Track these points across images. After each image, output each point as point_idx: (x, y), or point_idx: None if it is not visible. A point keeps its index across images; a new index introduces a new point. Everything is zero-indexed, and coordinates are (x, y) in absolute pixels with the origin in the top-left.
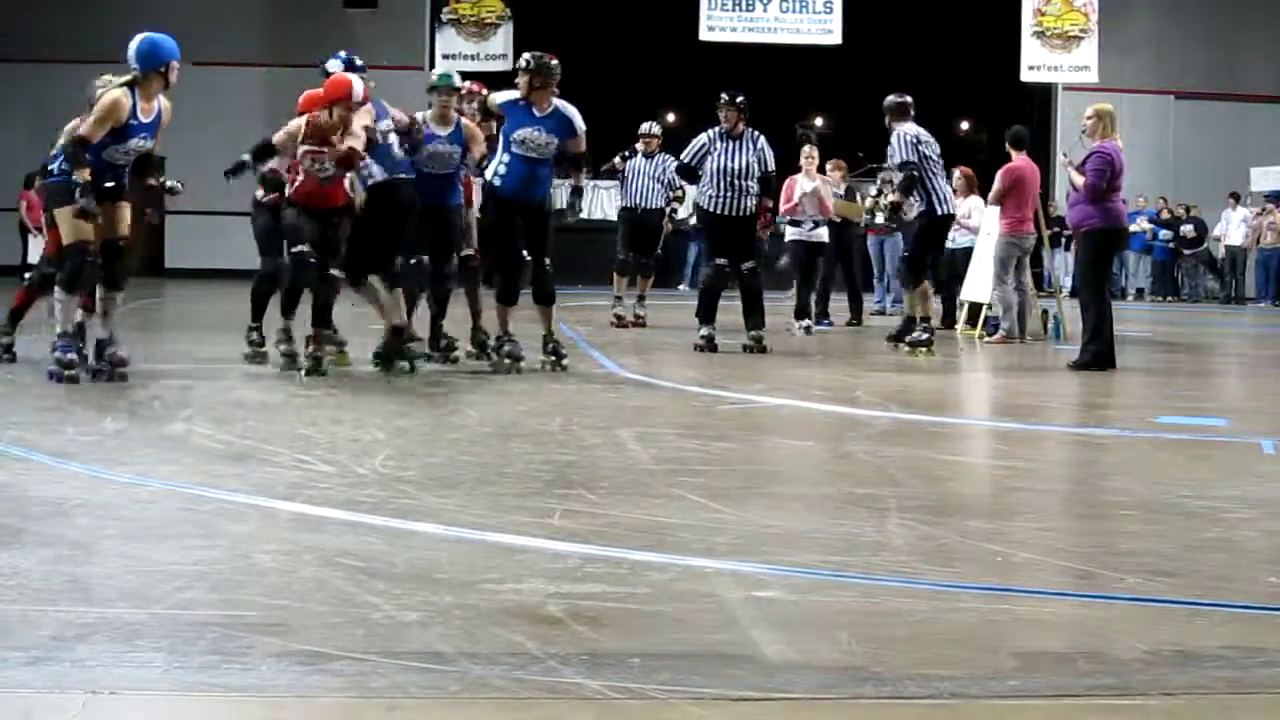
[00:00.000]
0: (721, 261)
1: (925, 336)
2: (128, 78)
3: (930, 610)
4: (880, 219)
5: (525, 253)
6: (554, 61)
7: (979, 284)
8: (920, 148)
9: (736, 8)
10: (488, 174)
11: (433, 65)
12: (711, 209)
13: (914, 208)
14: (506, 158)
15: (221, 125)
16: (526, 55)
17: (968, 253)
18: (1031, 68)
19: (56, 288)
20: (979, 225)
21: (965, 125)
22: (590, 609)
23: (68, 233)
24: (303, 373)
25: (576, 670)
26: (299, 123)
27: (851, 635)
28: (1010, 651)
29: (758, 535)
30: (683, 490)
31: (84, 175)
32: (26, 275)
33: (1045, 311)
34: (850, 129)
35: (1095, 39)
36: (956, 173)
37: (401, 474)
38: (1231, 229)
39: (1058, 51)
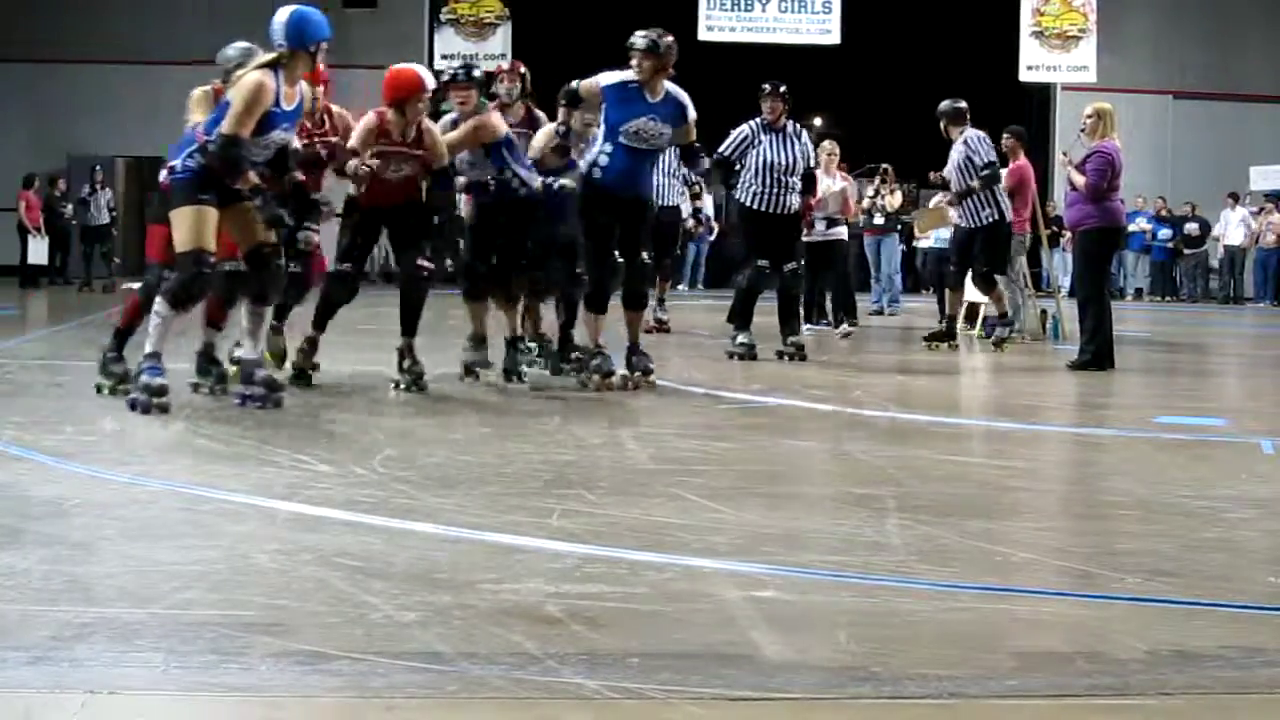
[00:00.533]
0: (764, 263)
1: (1009, 331)
2: (269, 57)
3: (929, 610)
4: (879, 220)
5: (617, 254)
6: (670, 39)
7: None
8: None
9: (735, 7)
10: (582, 164)
11: (432, 65)
12: (754, 206)
13: (983, 211)
14: (609, 147)
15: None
16: (641, 35)
17: None
18: (1030, 68)
19: (160, 299)
20: None
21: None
22: (589, 609)
23: (186, 238)
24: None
25: (575, 670)
26: (373, 120)
27: (850, 635)
28: (1009, 651)
29: (757, 535)
30: (682, 490)
31: (251, 180)
32: (125, 282)
33: (1044, 311)
34: (849, 129)
35: (1094, 39)
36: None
37: (400, 474)
38: (1230, 229)
39: (1056, 51)
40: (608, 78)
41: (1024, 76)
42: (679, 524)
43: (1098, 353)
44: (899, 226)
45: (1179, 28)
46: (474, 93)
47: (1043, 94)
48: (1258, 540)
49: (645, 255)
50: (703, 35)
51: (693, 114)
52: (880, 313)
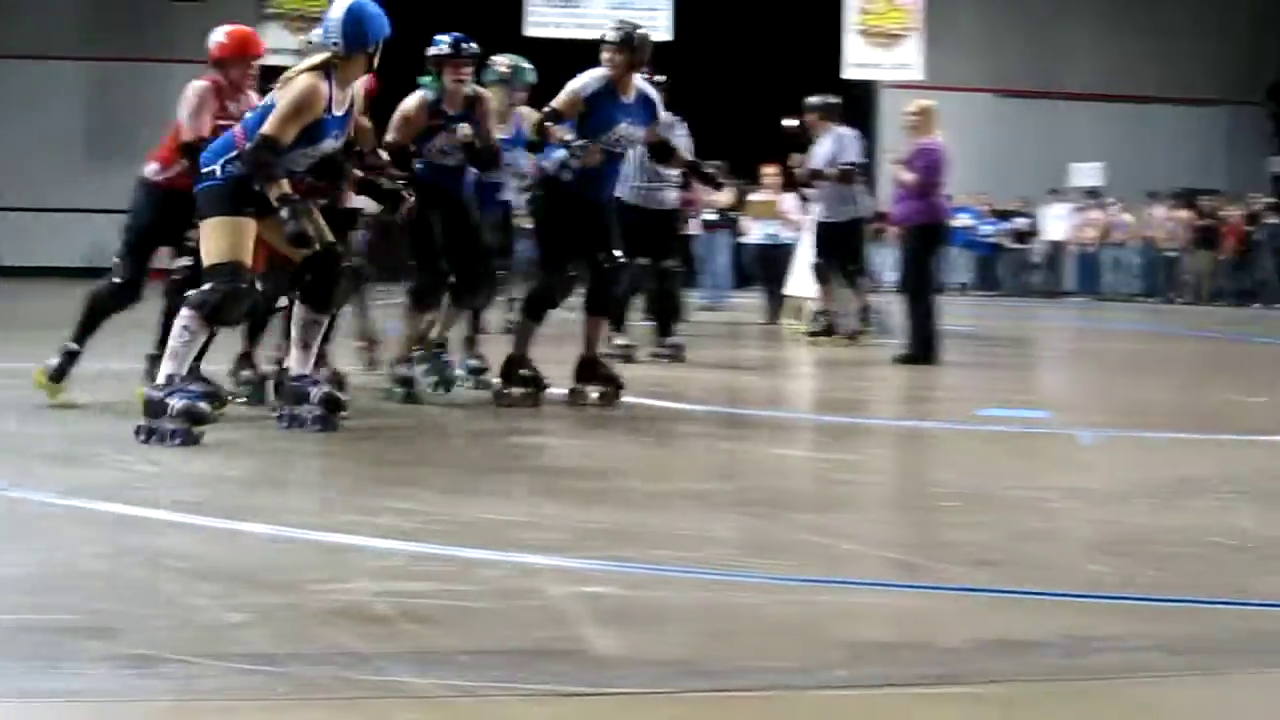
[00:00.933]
0: (643, 261)
1: (849, 327)
2: (321, 58)
3: (759, 603)
4: (709, 216)
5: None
6: (644, 31)
7: (804, 280)
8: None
9: (562, 3)
10: (548, 165)
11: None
12: (633, 202)
13: (845, 206)
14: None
15: (43, 120)
16: (614, 27)
17: (788, 249)
18: (855, 65)
19: (190, 313)
20: (801, 222)
21: (789, 122)
22: (419, 607)
23: (222, 249)
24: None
25: (405, 669)
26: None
27: (681, 629)
28: (838, 642)
29: (588, 531)
30: (513, 487)
31: (282, 189)
32: None
33: (869, 306)
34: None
35: (918, 37)
36: (772, 170)
37: (228, 474)
38: (1051, 224)
39: (881, 49)
40: (585, 88)
41: (849, 74)
42: (510, 521)
43: (922, 347)
44: (729, 223)
45: (1001, 26)
46: (472, 70)
47: (868, 91)
48: (1078, 529)
49: (618, 257)
50: (528, 31)
51: (661, 114)
52: (709, 309)
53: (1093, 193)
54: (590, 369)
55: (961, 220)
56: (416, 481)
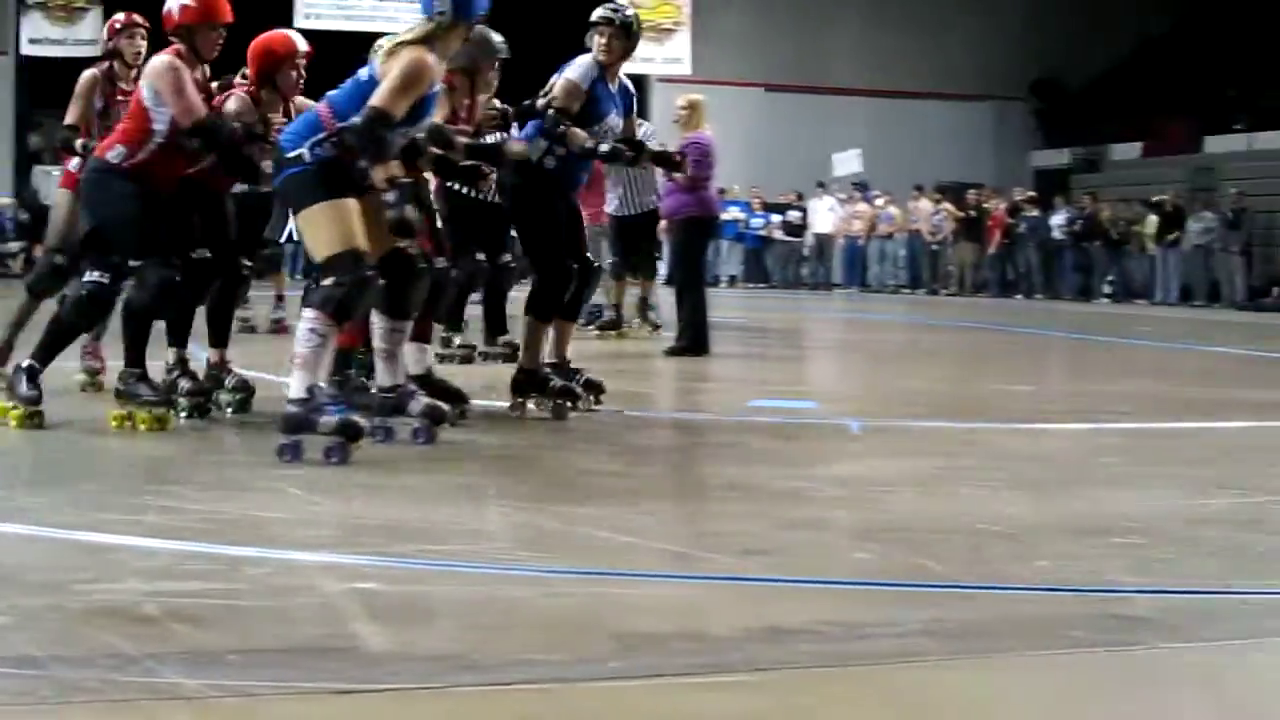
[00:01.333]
0: (480, 257)
1: (615, 317)
2: (424, 30)
3: (531, 596)
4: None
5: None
6: (634, 12)
7: None
8: None
9: None
10: (533, 151)
11: (18, 50)
12: (467, 193)
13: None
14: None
15: None
16: (611, 8)
17: None
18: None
19: (314, 313)
20: None
21: None
22: (188, 607)
23: (336, 238)
24: None
25: (174, 670)
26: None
27: (453, 624)
28: (611, 634)
29: (357, 527)
30: (280, 483)
31: (391, 170)
32: None
33: (646, 299)
34: None
35: (688, 31)
36: None
37: None
38: (819, 217)
39: (651, 43)
40: (584, 78)
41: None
42: (278, 517)
43: (694, 339)
44: None
45: (770, 22)
46: None
47: (639, 85)
48: (846, 518)
49: (590, 258)
50: (300, 23)
51: (634, 107)
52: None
53: (861, 185)
54: (564, 377)
55: (731, 213)
56: (181, 479)
